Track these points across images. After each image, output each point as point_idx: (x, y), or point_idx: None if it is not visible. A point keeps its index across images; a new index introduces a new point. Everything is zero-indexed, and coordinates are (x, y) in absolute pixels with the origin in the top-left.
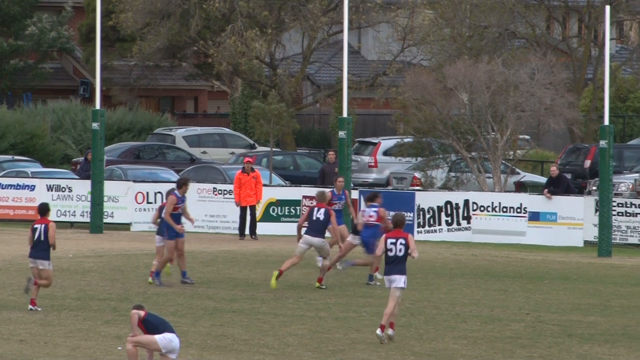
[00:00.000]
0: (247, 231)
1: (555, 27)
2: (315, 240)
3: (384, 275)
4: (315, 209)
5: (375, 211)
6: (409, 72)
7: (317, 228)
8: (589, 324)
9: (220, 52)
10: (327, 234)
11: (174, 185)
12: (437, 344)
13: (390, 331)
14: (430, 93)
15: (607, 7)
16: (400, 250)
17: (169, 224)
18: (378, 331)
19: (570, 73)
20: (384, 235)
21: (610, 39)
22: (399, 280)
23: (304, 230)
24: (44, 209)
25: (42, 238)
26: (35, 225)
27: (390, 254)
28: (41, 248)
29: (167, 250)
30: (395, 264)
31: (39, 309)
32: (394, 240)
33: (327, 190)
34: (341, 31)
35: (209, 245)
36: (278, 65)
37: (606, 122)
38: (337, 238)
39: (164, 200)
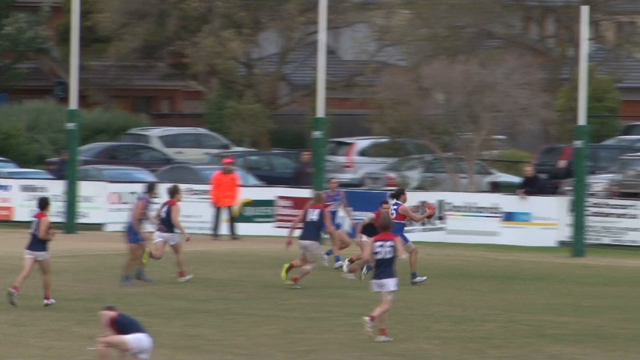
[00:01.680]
0: (222, 232)
1: (532, 27)
2: (309, 243)
3: (372, 279)
4: (310, 210)
5: (395, 209)
6: (385, 72)
7: (311, 230)
8: (562, 324)
9: (196, 52)
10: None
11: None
12: (410, 344)
13: (382, 338)
14: (406, 93)
15: (584, 7)
16: (387, 253)
17: (135, 229)
18: (367, 318)
19: (547, 73)
20: (372, 239)
21: (587, 39)
22: (389, 284)
23: (298, 233)
24: (41, 203)
25: (35, 231)
26: (33, 219)
27: (378, 257)
28: (36, 241)
29: (134, 251)
30: (384, 267)
31: (54, 300)
32: (381, 243)
33: (323, 191)
34: (318, 31)
35: (183, 245)
36: (254, 66)
37: (582, 122)
38: (335, 240)
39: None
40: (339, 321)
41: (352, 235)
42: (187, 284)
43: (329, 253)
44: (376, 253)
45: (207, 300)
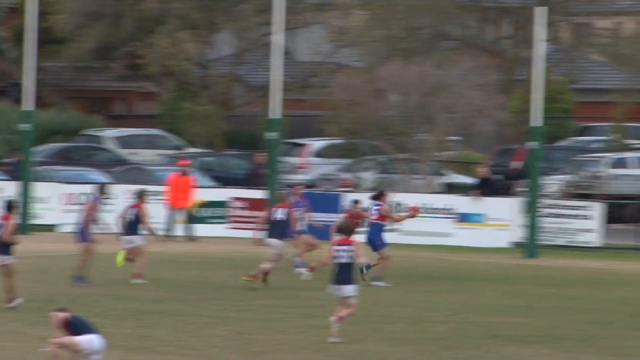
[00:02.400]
0: (176, 233)
1: (487, 29)
2: (276, 242)
3: (332, 283)
4: (275, 209)
5: (377, 209)
6: (340, 73)
7: (277, 229)
8: (515, 325)
9: (151, 53)
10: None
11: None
12: (363, 345)
13: (332, 318)
14: (361, 94)
15: (540, 9)
16: (347, 258)
17: (85, 230)
18: (335, 339)
19: (502, 74)
20: (331, 243)
21: (542, 41)
22: (350, 290)
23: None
24: (8, 206)
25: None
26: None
27: (339, 261)
28: (0, 244)
29: (87, 251)
30: (342, 272)
31: (20, 300)
32: (340, 248)
33: (285, 190)
34: (273, 32)
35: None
36: (209, 67)
37: (536, 123)
38: (301, 245)
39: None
40: (292, 322)
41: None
42: (140, 286)
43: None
44: (335, 257)
45: (160, 302)
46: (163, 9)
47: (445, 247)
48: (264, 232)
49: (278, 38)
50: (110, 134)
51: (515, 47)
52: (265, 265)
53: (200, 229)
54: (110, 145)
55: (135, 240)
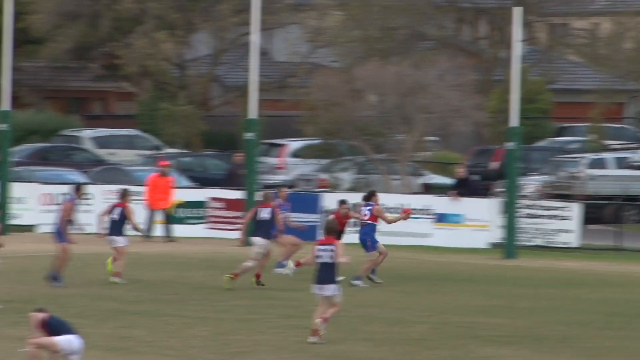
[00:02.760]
0: (155, 233)
1: (464, 29)
2: (261, 241)
3: (313, 282)
4: (260, 209)
5: (369, 210)
6: (317, 73)
7: (262, 228)
8: (494, 325)
9: (129, 53)
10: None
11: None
12: (341, 346)
13: (321, 323)
14: (338, 94)
15: (517, 9)
16: (329, 257)
17: (62, 231)
18: (314, 339)
19: (479, 75)
20: (314, 242)
21: (519, 41)
22: (331, 289)
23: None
24: None
25: None
26: None
27: (320, 260)
28: None
29: (64, 251)
30: (325, 272)
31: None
32: (323, 247)
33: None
34: (251, 32)
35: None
36: (187, 67)
37: (514, 124)
38: (285, 246)
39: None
40: (270, 323)
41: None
42: (120, 286)
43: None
44: (318, 257)
45: (138, 302)
46: (140, 9)
47: (424, 247)
48: (248, 231)
49: (255, 38)
50: (88, 134)
51: (492, 48)
52: (247, 264)
53: (179, 230)
54: (88, 146)
55: (119, 240)
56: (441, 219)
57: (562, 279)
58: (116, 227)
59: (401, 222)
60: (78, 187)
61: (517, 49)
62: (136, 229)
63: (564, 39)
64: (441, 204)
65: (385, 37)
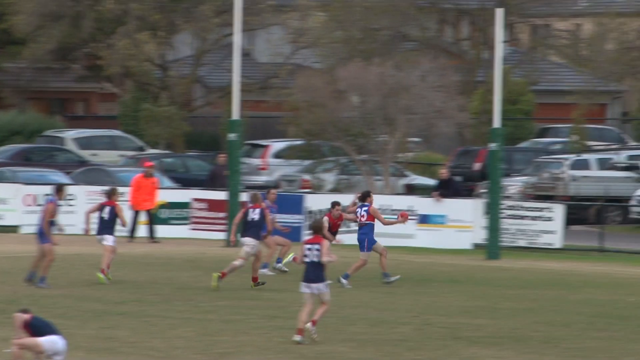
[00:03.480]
0: (139, 234)
1: (446, 30)
2: (251, 241)
3: (302, 281)
4: (251, 209)
5: (365, 210)
6: (300, 74)
7: (251, 229)
8: (477, 326)
9: (111, 54)
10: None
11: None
12: (325, 346)
13: (309, 325)
14: (321, 95)
15: (499, 10)
16: (315, 256)
17: (45, 232)
18: (299, 338)
19: (461, 76)
20: (302, 241)
21: (502, 42)
22: (319, 287)
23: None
24: None
25: None
26: None
27: (307, 259)
28: None
29: (48, 252)
30: (313, 270)
31: None
32: (310, 246)
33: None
34: (233, 33)
35: (98, 247)
36: (169, 68)
37: (497, 124)
38: (272, 247)
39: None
40: (254, 323)
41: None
42: (103, 286)
43: (279, 261)
44: (305, 256)
45: (122, 303)
46: (122, 10)
47: (407, 248)
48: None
49: (237, 39)
50: (71, 135)
51: (475, 49)
52: (236, 263)
53: (162, 230)
54: (71, 147)
55: (110, 239)
56: (424, 220)
57: (545, 279)
58: (107, 226)
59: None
60: (59, 188)
61: (500, 50)
62: (124, 225)
63: (546, 40)
64: (424, 205)
65: (368, 38)
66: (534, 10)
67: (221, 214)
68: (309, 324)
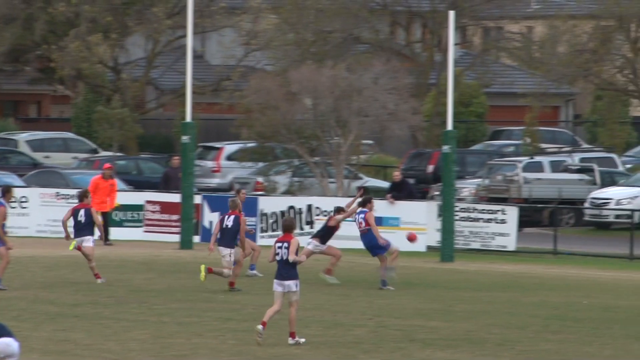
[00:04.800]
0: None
1: (399, 32)
2: (225, 250)
3: (275, 278)
4: (226, 216)
5: (363, 217)
6: (252, 76)
7: (226, 236)
8: (431, 328)
9: (63, 56)
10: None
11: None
12: (279, 349)
13: (291, 340)
14: (274, 98)
15: (451, 12)
16: (285, 254)
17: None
18: (260, 327)
19: (414, 78)
20: (275, 240)
21: (454, 44)
22: (290, 285)
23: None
24: None
25: None
26: None
27: (278, 258)
28: None
29: (4, 255)
30: (284, 268)
31: None
32: (280, 245)
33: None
34: (185, 35)
35: (52, 249)
36: (122, 70)
37: (449, 127)
38: (246, 248)
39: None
40: (208, 326)
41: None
42: (57, 289)
43: (252, 268)
44: (277, 254)
45: (76, 305)
46: (74, 12)
47: (361, 250)
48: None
49: (190, 41)
50: (23, 137)
51: (427, 51)
52: (225, 271)
53: (116, 233)
54: (24, 149)
55: (90, 240)
56: (378, 222)
57: (500, 282)
58: (85, 228)
59: (341, 225)
60: (6, 190)
61: (452, 52)
62: (100, 228)
63: (499, 43)
64: (378, 207)
65: (320, 41)
66: (486, 13)
67: (175, 217)
68: (259, 326)
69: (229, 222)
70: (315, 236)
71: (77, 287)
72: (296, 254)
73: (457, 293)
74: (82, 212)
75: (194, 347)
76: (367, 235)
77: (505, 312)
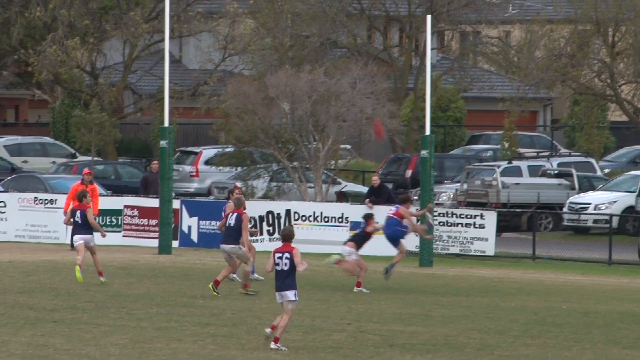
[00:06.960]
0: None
1: (376, 37)
2: (229, 247)
3: (275, 290)
4: (230, 214)
5: (396, 208)
6: (230, 81)
7: (229, 234)
8: (411, 333)
9: (40, 60)
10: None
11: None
12: (259, 353)
13: (273, 345)
14: (251, 102)
15: (429, 17)
16: (285, 265)
17: None
18: (268, 330)
19: (392, 83)
20: (273, 250)
21: (432, 49)
22: (288, 295)
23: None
24: None
25: None
26: None
27: (278, 268)
28: None
29: None
30: (283, 279)
31: None
32: (280, 255)
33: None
34: (162, 40)
35: (31, 254)
36: (99, 74)
37: (427, 131)
38: (247, 245)
39: None
40: (187, 331)
41: None
42: (36, 294)
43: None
44: (277, 264)
45: (55, 310)
46: (52, 16)
47: (339, 255)
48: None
49: (167, 46)
50: (1, 142)
51: (405, 56)
52: (247, 268)
53: (95, 237)
54: (2, 153)
55: (90, 239)
56: (356, 227)
57: (479, 287)
58: (83, 228)
59: (312, 229)
60: None
61: (430, 57)
62: (96, 228)
63: (476, 47)
64: (356, 212)
65: (297, 45)
66: (463, 17)
67: (153, 221)
68: (267, 329)
69: (232, 220)
70: (350, 241)
71: (56, 292)
72: None
73: (436, 298)
74: (78, 213)
75: (173, 352)
76: (391, 225)
77: (484, 317)
